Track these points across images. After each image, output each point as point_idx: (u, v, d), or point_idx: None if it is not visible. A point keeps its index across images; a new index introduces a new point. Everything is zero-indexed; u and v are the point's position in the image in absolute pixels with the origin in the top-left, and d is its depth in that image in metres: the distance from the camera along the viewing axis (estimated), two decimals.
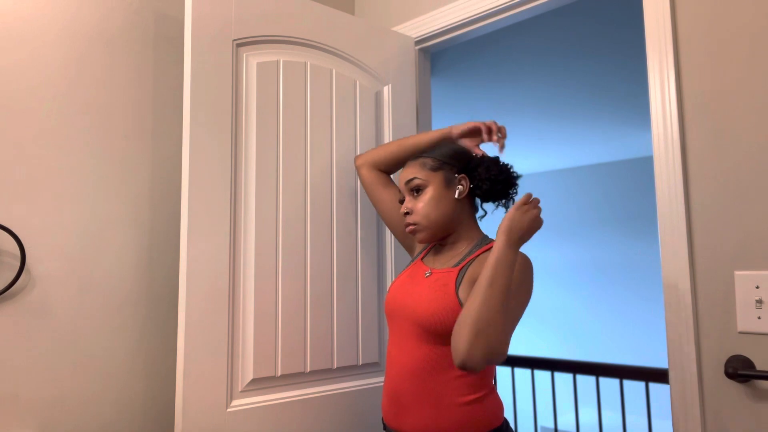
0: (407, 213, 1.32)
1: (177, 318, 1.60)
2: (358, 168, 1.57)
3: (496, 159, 1.33)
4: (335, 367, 1.62)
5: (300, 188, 1.60)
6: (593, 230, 5.76)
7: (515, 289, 1.18)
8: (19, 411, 1.33)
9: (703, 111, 1.33)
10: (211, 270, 1.42)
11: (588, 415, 5.42)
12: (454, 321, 1.18)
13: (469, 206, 1.34)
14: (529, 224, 1.16)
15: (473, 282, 1.22)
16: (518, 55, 2.83)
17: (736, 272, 1.26)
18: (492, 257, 1.13)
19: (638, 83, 3.25)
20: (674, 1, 1.39)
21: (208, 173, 1.44)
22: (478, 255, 1.27)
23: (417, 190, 1.31)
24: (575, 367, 3.57)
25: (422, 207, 1.29)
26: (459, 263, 1.28)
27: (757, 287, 1.23)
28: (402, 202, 1.37)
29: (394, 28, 2.02)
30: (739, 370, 1.21)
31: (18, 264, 1.35)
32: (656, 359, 5.25)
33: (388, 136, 1.83)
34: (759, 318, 1.23)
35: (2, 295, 1.32)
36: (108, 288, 1.49)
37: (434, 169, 1.31)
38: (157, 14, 1.64)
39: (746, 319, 1.24)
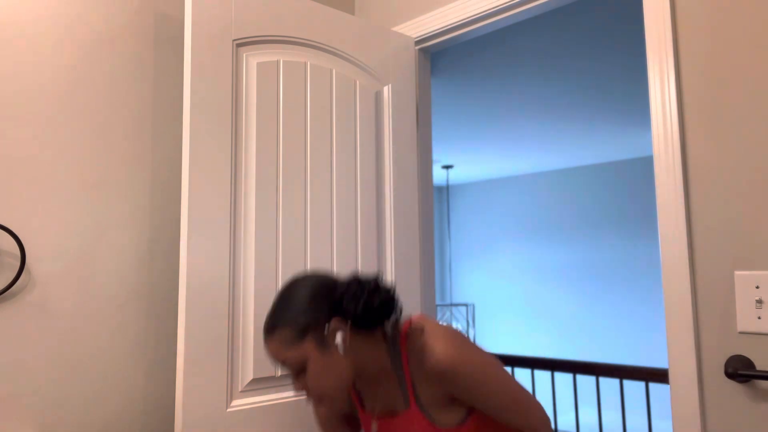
0: (306, 394, 1.11)
1: (177, 318, 1.60)
2: None
3: (357, 279, 1.09)
4: None
5: (300, 188, 1.60)
6: (593, 230, 5.76)
7: (486, 383, 1.05)
8: (19, 411, 1.33)
9: (703, 111, 1.33)
10: (211, 270, 1.42)
11: (588, 415, 5.42)
12: None
13: (360, 336, 1.11)
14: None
15: (442, 401, 1.09)
16: (518, 55, 2.83)
17: (736, 272, 1.26)
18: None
19: (638, 83, 3.25)
20: (674, 1, 1.39)
21: (208, 173, 1.44)
22: (411, 379, 1.11)
23: (297, 371, 1.08)
24: (575, 367, 3.57)
25: (315, 386, 1.07)
26: (407, 401, 1.11)
27: (757, 287, 1.23)
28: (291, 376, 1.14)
29: (394, 28, 2.02)
30: (739, 370, 1.21)
31: (18, 264, 1.35)
32: (656, 359, 5.25)
33: (388, 136, 1.83)
34: (759, 318, 1.23)
35: (2, 295, 1.32)
36: (108, 288, 1.49)
37: (299, 339, 1.06)
38: (157, 14, 1.64)
39: (746, 319, 1.24)
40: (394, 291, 1.12)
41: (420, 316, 1.16)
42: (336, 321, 1.08)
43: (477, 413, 1.11)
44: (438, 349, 1.04)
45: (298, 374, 1.09)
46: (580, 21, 2.44)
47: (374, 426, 1.17)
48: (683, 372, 1.31)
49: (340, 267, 1.66)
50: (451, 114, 3.86)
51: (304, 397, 1.17)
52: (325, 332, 1.08)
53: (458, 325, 6.61)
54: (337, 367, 1.08)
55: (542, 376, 5.87)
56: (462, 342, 1.07)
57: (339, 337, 1.09)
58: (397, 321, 1.14)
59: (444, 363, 1.03)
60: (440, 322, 1.12)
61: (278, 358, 1.08)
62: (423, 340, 1.08)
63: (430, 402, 1.09)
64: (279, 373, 1.51)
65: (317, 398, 1.09)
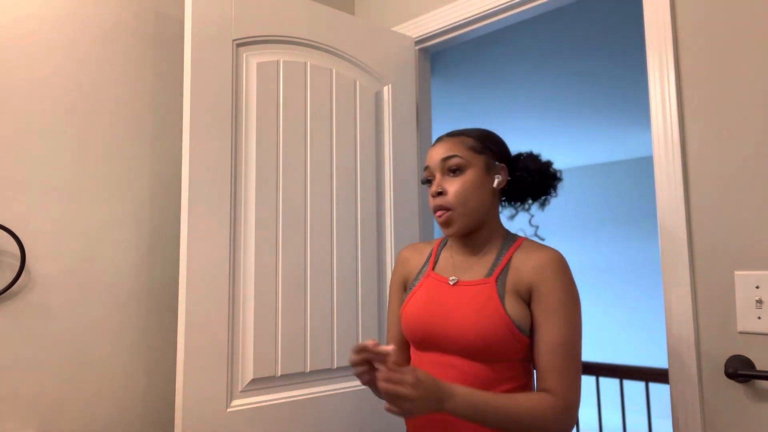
0: (440, 193, 1.14)
1: (177, 318, 1.60)
2: None
3: (536, 157, 1.22)
4: (335, 367, 1.62)
5: (300, 188, 1.60)
6: (593, 230, 5.76)
7: (564, 307, 1.08)
8: (19, 411, 1.33)
9: (703, 111, 1.33)
10: (211, 270, 1.42)
11: (588, 415, 5.42)
12: (509, 341, 1.07)
13: (499, 200, 1.21)
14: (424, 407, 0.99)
15: (517, 294, 1.11)
16: (518, 55, 2.83)
17: (736, 272, 1.26)
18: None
19: (638, 83, 3.25)
20: (674, 1, 1.39)
21: (208, 173, 1.44)
22: (510, 258, 1.15)
23: (455, 170, 1.14)
24: None
25: (461, 190, 1.12)
26: (492, 270, 1.14)
27: (757, 287, 1.23)
28: (427, 182, 1.19)
29: (394, 28, 2.02)
30: (739, 370, 1.21)
31: (18, 264, 1.35)
32: (656, 359, 5.25)
33: (388, 136, 1.83)
34: (759, 318, 1.23)
35: (2, 295, 1.32)
36: (108, 288, 1.49)
37: (477, 151, 1.15)
38: (157, 14, 1.64)
39: (746, 319, 1.24)
40: (557, 184, 1.22)
41: None
42: (504, 167, 1.19)
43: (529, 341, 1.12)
44: (556, 252, 1.13)
45: (451, 175, 1.15)
46: (580, 21, 2.44)
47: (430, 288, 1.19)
48: (683, 372, 1.31)
49: (340, 267, 1.66)
50: (451, 114, 3.86)
51: (437, 201, 1.15)
52: (494, 164, 1.18)
53: None
54: (486, 193, 1.16)
55: None
56: (565, 268, 1.12)
57: (498, 181, 1.17)
58: (544, 202, 1.24)
59: (554, 258, 1.10)
60: None
61: (450, 151, 1.15)
62: (545, 246, 1.15)
63: (509, 288, 1.11)
64: (279, 373, 1.51)
65: (450, 206, 1.13)
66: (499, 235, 1.20)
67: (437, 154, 1.16)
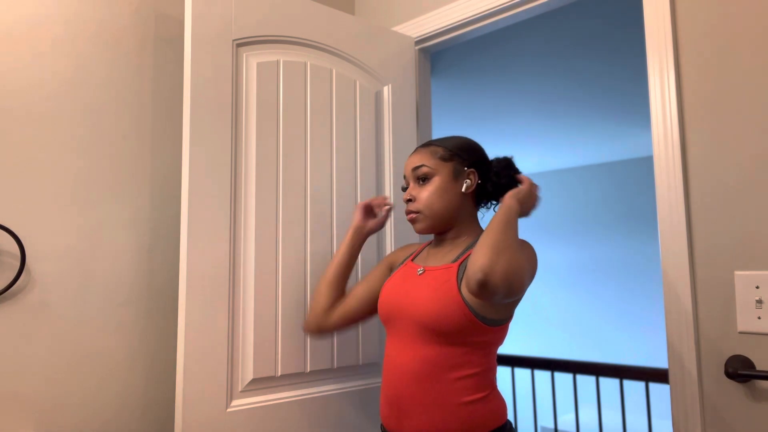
0: (410, 200, 1.29)
1: (177, 318, 1.60)
2: (322, 330, 1.42)
3: (510, 161, 1.31)
4: (335, 367, 1.62)
5: (300, 188, 1.60)
6: (593, 230, 5.76)
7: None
8: (19, 411, 1.33)
9: (703, 111, 1.33)
10: (211, 270, 1.42)
11: (588, 415, 5.42)
12: (459, 319, 1.15)
13: (472, 202, 1.31)
14: (533, 203, 1.22)
15: None
16: (518, 55, 2.83)
17: (736, 272, 1.26)
18: (503, 210, 1.14)
19: (638, 83, 3.25)
20: (674, 1, 1.39)
21: (208, 173, 1.44)
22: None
23: (423, 179, 1.28)
24: (575, 367, 3.57)
25: (427, 196, 1.26)
26: (457, 258, 1.23)
27: (757, 287, 1.23)
28: (405, 189, 1.33)
29: (394, 28, 2.02)
30: (739, 370, 1.21)
31: (18, 264, 1.35)
32: (656, 359, 5.25)
33: (388, 136, 1.83)
34: (759, 318, 1.23)
35: (2, 295, 1.32)
36: (108, 288, 1.49)
37: (445, 159, 1.28)
38: (157, 14, 1.64)
39: (746, 319, 1.24)
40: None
41: None
42: (472, 171, 1.29)
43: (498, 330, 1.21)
44: (523, 240, 1.22)
45: (420, 183, 1.28)
46: (580, 21, 2.44)
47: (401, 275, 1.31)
48: (683, 372, 1.31)
49: None
50: (451, 114, 3.86)
51: (407, 206, 1.30)
52: (463, 170, 1.29)
53: None
54: (452, 197, 1.27)
55: (542, 376, 5.87)
56: (531, 249, 1.20)
57: (466, 185, 1.28)
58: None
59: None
60: None
61: (419, 161, 1.28)
62: None
63: None
64: (279, 373, 1.51)
65: (417, 210, 1.27)
66: (472, 231, 1.31)
67: (409, 164, 1.31)
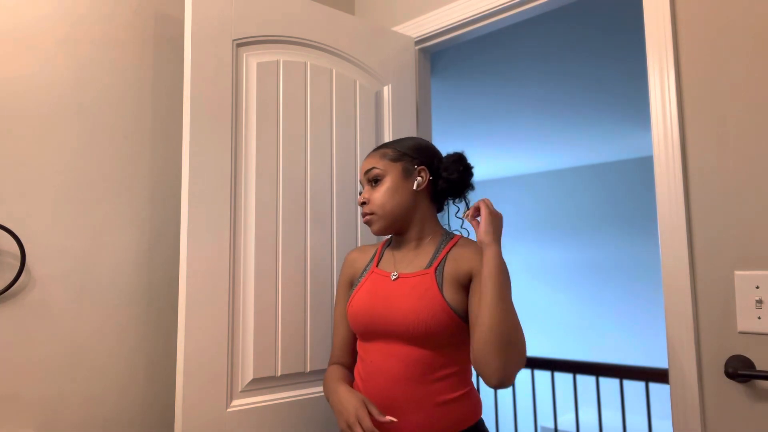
0: (364, 203, 1.31)
1: (177, 318, 1.60)
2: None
3: (461, 156, 1.32)
4: None
5: (300, 188, 1.60)
6: (593, 230, 5.76)
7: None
8: (19, 411, 1.33)
9: (703, 111, 1.33)
10: (211, 270, 1.42)
11: (588, 415, 5.42)
12: (447, 325, 1.18)
13: (428, 200, 1.32)
14: (501, 221, 1.21)
15: (456, 282, 1.22)
16: (518, 55, 2.83)
17: (736, 272, 1.26)
18: (491, 268, 1.13)
19: (638, 83, 3.25)
20: (674, 1, 1.39)
21: (208, 173, 1.44)
22: (448, 251, 1.26)
23: (375, 181, 1.30)
24: (575, 367, 3.57)
25: (378, 197, 1.28)
26: (431, 263, 1.25)
27: (757, 287, 1.23)
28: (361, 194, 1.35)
29: (394, 28, 2.02)
30: (739, 370, 1.21)
31: (18, 264, 1.35)
32: (656, 359, 5.25)
33: (387, 136, 1.83)
34: (759, 318, 1.23)
35: (2, 295, 1.32)
36: (108, 288, 1.49)
37: (394, 160, 1.30)
38: (157, 14, 1.64)
39: (746, 319, 1.24)
40: (472, 186, 1.33)
41: None
42: (423, 169, 1.30)
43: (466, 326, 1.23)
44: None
45: (373, 185, 1.31)
46: (580, 21, 2.44)
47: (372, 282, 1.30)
48: (683, 372, 1.32)
49: (340, 267, 1.66)
50: (451, 114, 3.86)
51: (362, 209, 1.32)
52: (413, 168, 1.30)
53: None
54: (404, 195, 1.29)
55: (542, 376, 5.87)
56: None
57: (417, 183, 1.29)
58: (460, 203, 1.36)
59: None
60: None
61: (370, 165, 1.31)
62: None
63: (447, 277, 1.22)
64: (279, 373, 1.51)
65: (371, 211, 1.29)
66: (435, 232, 1.32)
67: (362, 169, 1.34)
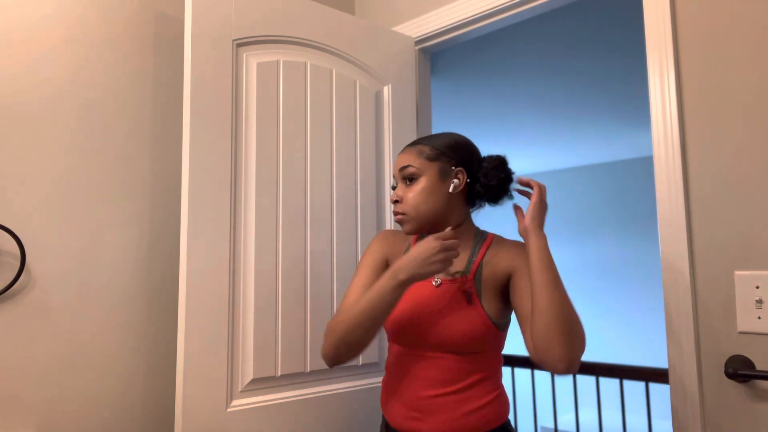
0: (396, 201, 1.25)
1: (177, 318, 1.60)
2: (348, 360, 1.22)
3: (503, 161, 1.25)
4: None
5: (300, 188, 1.60)
6: (593, 230, 5.76)
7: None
8: (19, 411, 1.33)
9: (703, 111, 1.33)
10: (211, 270, 1.42)
11: (588, 415, 5.42)
12: (486, 336, 1.18)
13: (463, 201, 1.26)
14: (545, 216, 1.19)
15: (493, 287, 1.21)
16: (518, 55, 2.83)
17: (736, 272, 1.26)
18: (544, 255, 1.12)
19: (638, 83, 3.25)
20: (674, 1, 1.39)
21: (208, 173, 1.44)
22: (484, 254, 1.24)
23: (410, 179, 1.23)
24: None
25: (412, 197, 1.22)
26: (469, 268, 1.23)
27: (757, 287, 1.23)
28: (394, 188, 1.29)
29: (394, 28, 2.02)
30: (739, 370, 1.21)
31: (18, 264, 1.35)
32: (656, 359, 5.25)
33: (387, 136, 1.83)
34: (759, 318, 1.23)
35: (2, 295, 1.32)
36: (108, 288, 1.49)
37: (431, 159, 1.22)
38: (157, 14, 1.64)
39: (746, 319, 1.24)
40: (511, 192, 1.27)
41: None
42: (460, 170, 1.24)
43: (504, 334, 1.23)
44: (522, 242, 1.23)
45: (407, 183, 1.24)
46: (580, 21, 2.44)
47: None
48: (683, 372, 1.31)
49: (340, 267, 1.66)
50: (451, 114, 3.86)
51: (394, 207, 1.26)
52: (451, 169, 1.24)
53: None
54: (439, 197, 1.23)
55: (542, 376, 5.87)
56: None
57: (453, 185, 1.23)
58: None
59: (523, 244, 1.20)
60: None
61: (405, 162, 1.24)
62: (514, 240, 1.26)
63: (486, 283, 1.21)
64: (279, 373, 1.51)
65: (403, 212, 1.23)
66: (468, 231, 1.29)
67: (397, 163, 1.27)
